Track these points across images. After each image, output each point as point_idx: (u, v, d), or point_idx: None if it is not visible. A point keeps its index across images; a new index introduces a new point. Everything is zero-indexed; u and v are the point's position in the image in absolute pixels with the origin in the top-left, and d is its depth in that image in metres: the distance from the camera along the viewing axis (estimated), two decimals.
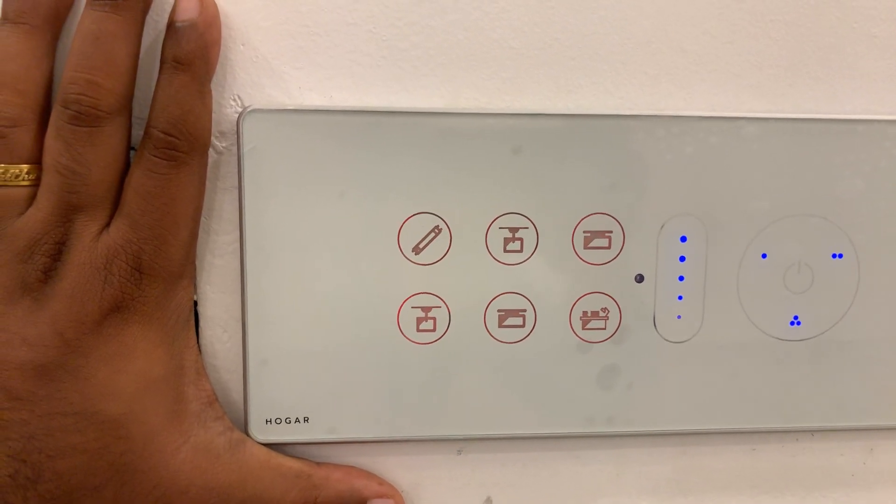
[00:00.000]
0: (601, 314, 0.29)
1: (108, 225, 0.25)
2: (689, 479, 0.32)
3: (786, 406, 0.30)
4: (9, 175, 0.25)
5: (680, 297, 0.29)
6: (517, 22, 0.27)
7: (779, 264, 0.29)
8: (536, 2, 0.27)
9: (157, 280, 0.25)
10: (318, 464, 0.29)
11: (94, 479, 0.25)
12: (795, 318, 0.30)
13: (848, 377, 0.30)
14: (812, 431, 0.32)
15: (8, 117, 0.24)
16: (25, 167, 0.25)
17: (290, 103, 0.27)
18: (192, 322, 0.28)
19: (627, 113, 0.28)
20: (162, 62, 0.25)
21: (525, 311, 0.29)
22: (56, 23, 0.25)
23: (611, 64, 0.28)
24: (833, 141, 0.29)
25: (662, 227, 0.29)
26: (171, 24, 0.25)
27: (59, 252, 0.25)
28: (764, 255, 0.29)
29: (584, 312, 0.29)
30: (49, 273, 0.25)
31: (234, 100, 0.27)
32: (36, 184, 0.25)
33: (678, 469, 0.31)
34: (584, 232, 0.28)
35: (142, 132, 0.26)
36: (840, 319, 0.30)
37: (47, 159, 0.25)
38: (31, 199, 0.25)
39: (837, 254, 0.29)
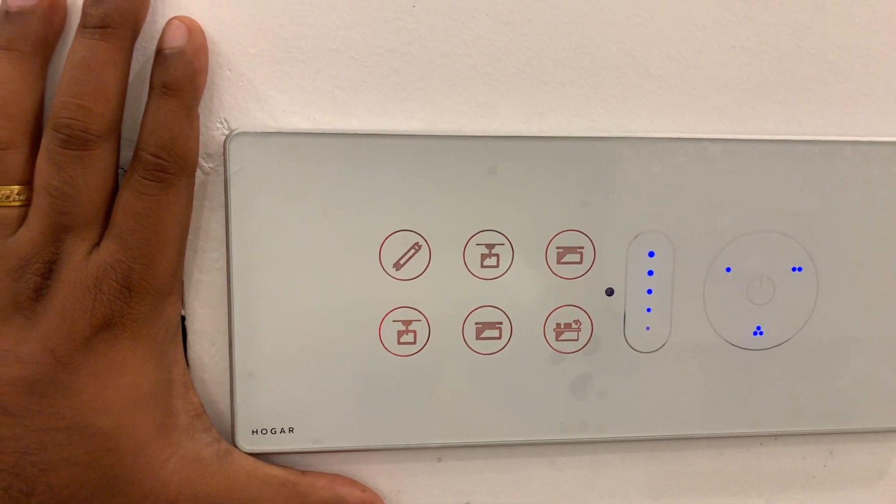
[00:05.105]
0: (574, 326, 0.30)
1: (97, 244, 0.26)
2: (660, 483, 0.33)
3: (750, 412, 0.31)
4: (0, 195, 0.25)
5: (648, 310, 0.30)
6: (492, 49, 0.28)
7: (742, 277, 0.30)
8: (510, 30, 0.28)
9: (145, 297, 0.26)
10: (304, 472, 0.29)
11: (85, 490, 0.25)
12: (758, 328, 0.31)
13: (808, 384, 0.31)
14: (775, 436, 0.33)
15: None
16: (16, 188, 0.25)
17: (274, 126, 0.28)
18: (180, 337, 0.28)
19: (597, 135, 0.29)
20: (151, 87, 0.26)
21: (501, 323, 0.29)
22: (46, 49, 0.26)
23: (581, 88, 0.29)
24: (792, 161, 0.30)
25: (631, 242, 0.29)
26: (160, 51, 0.26)
27: (49, 271, 0.25)
28: (728, 269, 0.30)
29: (558, 324, 0.30)
30: (40, 291, 0.25)
31: (221, 123, 0.28)
32: (27, 204, 0.25)
33: (649, 473, 0.32)
34: (557, 248, 0.29)
35: (131, 153, 0.26)
36: (800, 329, 0.31)
37: (38, 181, 0.25)
38: (23, 219, 0.25)
39: (797, 267, 0.31)
